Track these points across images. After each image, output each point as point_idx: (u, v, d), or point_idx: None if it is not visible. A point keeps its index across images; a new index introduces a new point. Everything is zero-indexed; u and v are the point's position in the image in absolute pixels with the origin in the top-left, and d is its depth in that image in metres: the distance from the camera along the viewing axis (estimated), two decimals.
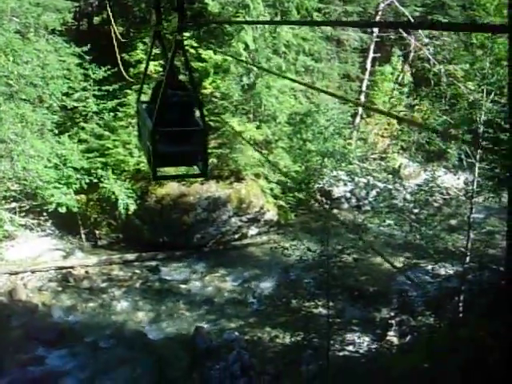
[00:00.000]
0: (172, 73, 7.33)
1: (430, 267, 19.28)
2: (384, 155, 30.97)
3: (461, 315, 15.34)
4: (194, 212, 23.30)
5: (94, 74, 23.23)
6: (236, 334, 18.08)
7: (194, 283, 21.33)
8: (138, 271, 21.71)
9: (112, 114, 23.53)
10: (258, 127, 24.27)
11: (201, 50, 23.40)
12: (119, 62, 22.75)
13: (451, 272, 18.28)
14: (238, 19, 22.73)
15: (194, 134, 6.90)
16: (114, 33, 21.09)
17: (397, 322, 18.38)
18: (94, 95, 23.37)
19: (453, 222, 21.64)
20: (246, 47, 23.28)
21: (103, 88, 23.41)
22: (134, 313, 19.24)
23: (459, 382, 6.25)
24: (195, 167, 7.29)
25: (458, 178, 22.72)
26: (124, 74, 22.54)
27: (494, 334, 7.46)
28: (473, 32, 17.25)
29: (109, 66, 23.17)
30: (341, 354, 16.99)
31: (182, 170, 9.84)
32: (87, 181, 22.47)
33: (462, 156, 21.00)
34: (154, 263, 22.31)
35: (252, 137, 23.07)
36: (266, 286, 21.00)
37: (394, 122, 30.85)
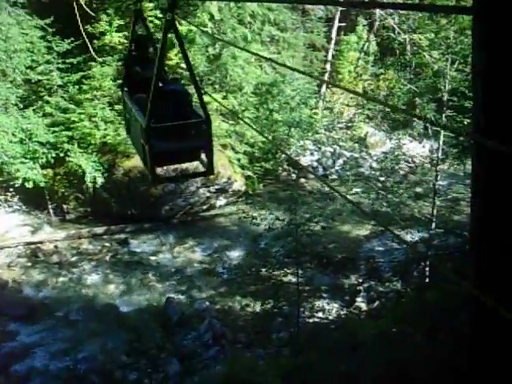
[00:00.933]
0: (161, 59, 6.72)
1: (396, 234, 19.60)
2: (350, 124, 31.16)
3: (427, 279, 15.71)
4: (161, 184, 23.25)
5: (57, 46, 22.66)
6: (207, 303, 18.26)
7: (163, 255, 21.37)
8: (107, 244, 21.66)
9: (77, 87, 23.13)
10: (225, 98, 24.22)
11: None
12: (83, 34, 22.42)
13: (417, 238, 18.65)
14: None
15: (195, 126, 6.15)
16: (78, 4, 20.74)
17: (365, 288, 18.73)
18: (58, 68, 22.85)
19: (418, 189, 21.99)
20: (211, 17, 23.12)
21: (67, 61, 22.89)
22: (104, 286, 19.25)
23: (427, 344, 6.46)
24: (197, 163, 6.68)
25: (423, 147, 23.12)
26: (89, 46, 22.22)
27: (461, 296, 7.71)
28: (437, 12, 17.37)
29: (72, 39, 22.71)
30: (310, 320, 17.29)
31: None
32: (53, 155, 22.10)
33: (427, 124, 21.27)
34: (122, 236, 22.27)
35: (218, 107, 23.00)
36: (236, 255, 21.13)
37: (360, 91, 30.95)
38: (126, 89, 7.87)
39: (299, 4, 27.61)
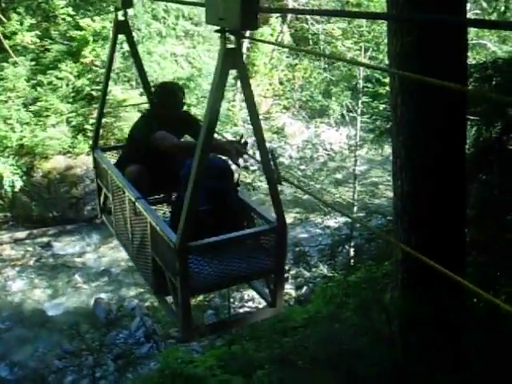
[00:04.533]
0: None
1: (319, 220, 20.04)
2: (268, 115, 31.45)
3: (352, 261, 16.12)
4: (82, 184, 22.91)
5: None
6: (136, 301, 18.16)
7: (88, 256, 21.09)
8: (30, 249, 21.18)
9: None
10: (142, 94, 24.00)
11: (78, 19, 22.78)
12: None
13: (341, 223, 19.10)
14: None
15: (259, 236, 4.28)
16: None
17: (292, 275, 19.04)
18: None
19: (339, 175, 22.49)
20: (125, 13, 22.87)
21: None
22: (30, 291, 18.84)
23: (356, 321, 6.72)
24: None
25: (341, 134, 23.64)
26: (5, 45, 21.57)
27: (385, 274, 8.04)
28: (352, 18, 17.83)
29: None
30: (241, 310, 17.46)
31: None
32: None
33: (344, 112, 21.79)
34: (45, 239, 21.82)
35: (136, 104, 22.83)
36: None
37: (276, 82, 31.32)
38: (97, 149, 6.39)
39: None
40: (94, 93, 22.72)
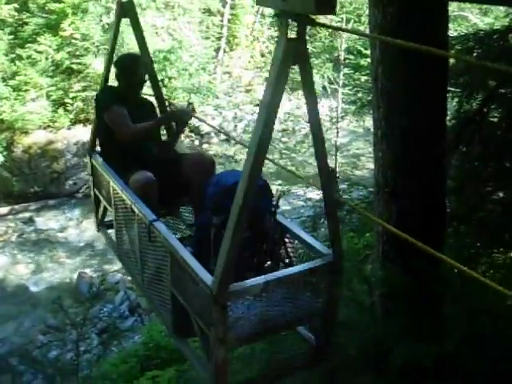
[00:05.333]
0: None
1: (301, 192, 20.09)
2: (249, 87, 31.33)
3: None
4: (63, 159, 22.77)
5: None
6: (119, 275, 18.16)
7: (71, 230, 21.03)
8: (12, 225, 21.07)
9: None
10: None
11: None
12: None
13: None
14: None
15: (314, 274, 3.47)
16: None
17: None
18: None
19: None
20: None
21: None
22: (13, 267, 18.78)
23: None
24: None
25: (322, 106, 23.55)
26: None
27: (367, 245, 8.12)
28: None
29: None
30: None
31: None
32: None
33: (326, 83, 21.75)
34: (27, 215, 21.71)
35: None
36: None
37: (258, 54, 31.16)
38: (94, 154, 5.43)
39: None
40: (74, 66, 22.48)
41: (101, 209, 5.47)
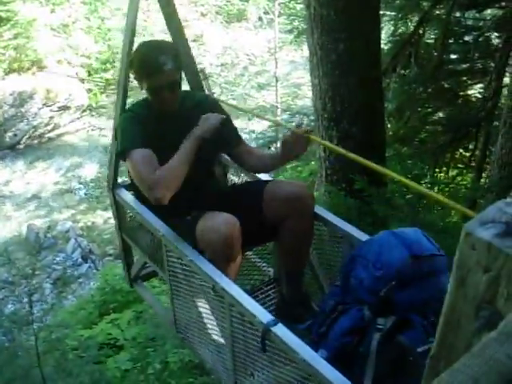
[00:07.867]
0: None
1: (244, 125, 20.01)
2: (185, 23, 30.67)
3: None
4: (0, 110, 22.15)
5: None
6: (70, 223, 18.02)
7: (15, 183, 20.60)
8: None
9: None
10: (52, 11, 23.07)
11: None
12: None
13: (266, 126, 19.11)
14: None
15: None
16: None
17: None
18: None
19: (261, 79, 22.38)
20: None
21: None
22: None
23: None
24: None
25: (260, 38, 23.32)
26: None
27: (312, 173, 8.21)
28: None
29: None
30: None
31: None
32: None
33: (262, 14, 21.48)
34: None
35: (48, 23, 21.94)
36: (90, 170, 20.72)
37: None
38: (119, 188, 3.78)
39: None
40: (2, 14, 21.61)
41: (137, 263, 4.02)
